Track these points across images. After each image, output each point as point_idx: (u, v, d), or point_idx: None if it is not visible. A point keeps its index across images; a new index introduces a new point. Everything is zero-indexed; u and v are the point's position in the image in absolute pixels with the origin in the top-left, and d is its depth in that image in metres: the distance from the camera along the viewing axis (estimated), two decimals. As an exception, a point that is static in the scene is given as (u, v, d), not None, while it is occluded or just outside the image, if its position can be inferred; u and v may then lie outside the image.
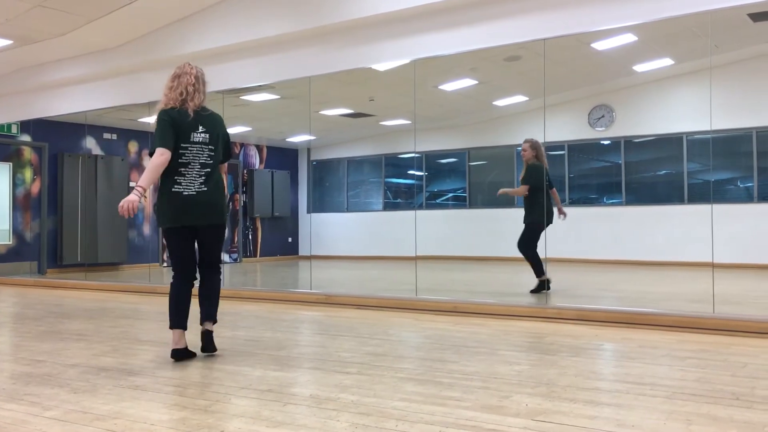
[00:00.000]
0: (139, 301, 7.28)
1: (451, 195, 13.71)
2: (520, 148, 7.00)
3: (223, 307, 4.61)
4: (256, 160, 14.34)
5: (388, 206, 14.25)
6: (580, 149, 11.86)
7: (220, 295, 4.20)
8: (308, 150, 15.28)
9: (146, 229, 12.41)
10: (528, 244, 6.69)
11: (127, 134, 12.20)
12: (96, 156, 11.65)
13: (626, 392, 3.05)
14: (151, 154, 3.89)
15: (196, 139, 3.92)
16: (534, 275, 6.70)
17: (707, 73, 8.38)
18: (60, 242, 11.16)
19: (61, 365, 3.81)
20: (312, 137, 14.42)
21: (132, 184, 12.12)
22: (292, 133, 14.11)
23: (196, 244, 4.09)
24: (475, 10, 6.09)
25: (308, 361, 3.89)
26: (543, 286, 6.64)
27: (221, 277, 4.25)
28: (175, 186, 3.87)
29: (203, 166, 3.94)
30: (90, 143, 11.66)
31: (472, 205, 12.83)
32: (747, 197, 10.48)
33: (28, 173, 11.02)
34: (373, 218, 14.24)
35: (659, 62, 9.64)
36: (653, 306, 5.83)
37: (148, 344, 4.52)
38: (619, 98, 11.28)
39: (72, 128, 11.12)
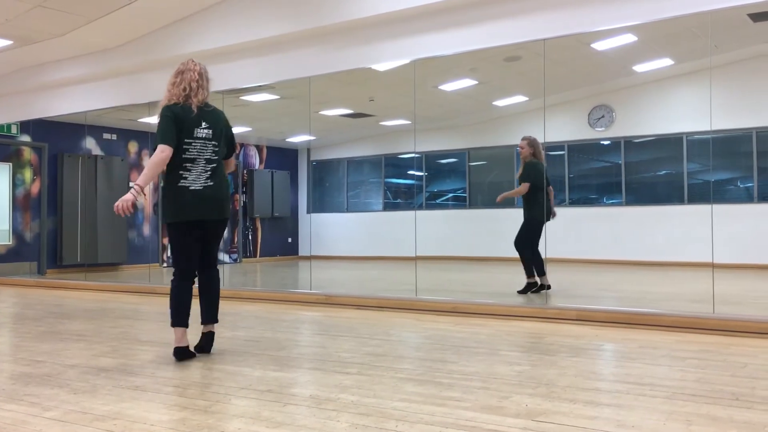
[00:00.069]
0: (139, 302, 7.28)
1: (451, 195, 13.71)
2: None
3: (223, 307, 4.61)
4: (256, 161, 14.34)
5: (388, 206, 14.25)
6: (580, 149, 11.86)
7: (219, 295, 4.20)
8: (308, 150, 15.28)
9: (146, 230, 12.41)
10: (525, 242, 6.68)
11: (126, 134, 12.20)
12: (96, 156, 11.65)
13: (626, 393, 3.05)
14: (162, 141, 3.84)
15: (200, 135, 3.93)
16: (526, 275, 6.69)
17: (707, 74, 8.39)
18: (60, 242, 11.16)
19: (60, 366, 3.80)
20: (312, 137, 14.42)
21: (132, 184, 12.10)
22: (292, 133, 14.11)
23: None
24: (475, 11, 6.09)
25: (308, 362, 3.88)
26: (530, 288, 6.63)
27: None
28: (182, 181, 3.88)
29: (208, 161, 3.96)
30: (90, 143, 11.66)
31: (472, 205, 12.83)
32: (747, 197, 10.48)
33: (27, 173, 11.02)
34: (373, 218, 14.24)
35: (659, 62, 9.65)
36: (653, 306, 5.83)
37: (147, 345, 4.51)
38: (619, 98, 11.28)
39: (72, 128, 11.12)
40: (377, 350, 4.17)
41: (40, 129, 10.87)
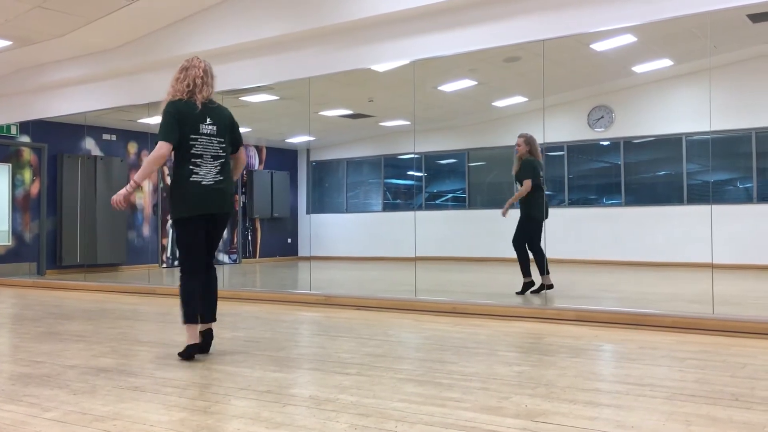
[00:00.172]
0: (139, 302, 7.27)
1: (450, 196, 13.71)
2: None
3: (223, 308, 4.61)
4: (255, 161, 14.34)
5: (388, 207, 14.25)
6: (579, 150, 11.86)
7: (217, 295, 4.21)
8: (308, 151, 15.28)
9: (146, 230, 12.40)
10: (522, 240, 6.67)
11: (126, 135, 12.19)
12: (95, 157, 11.65)
13: (626, 393, 3.05)
14: (163, 138, 3.87)
15: (205, 131, 3.95)
16: (523, 275, 6.68)
17: (706, 74, 8.39)
18: (59, 243, 11.15)
19: (60, 366, 3.80)
20: (311, 138, 14.42)
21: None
22: (292, 133, 14.11)
23: None
24: (474, 11, 6.09)
25: (308, 362, 3.88)
26: (528, 288, 6.63)
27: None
28: (194, 176, 3.89)
29: (215, 158, 3.98)
30: (89, 144, 11.66)
31: (472, 205, 12.83)
32: (746, 198, 10.48)
33: (27, 174, 11.02)
34: (373, 219, 14.24)
35: (658, 63, 9.65)
36: (653, 307, 5.83)
37: (147, 345, 4.51)
38: (619, 99, 11.28)
39: (71, 129, 11.12)
40: (377, 351, 4.17)
41: (40, 129, 10.87)
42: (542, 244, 6.60)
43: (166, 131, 3.87)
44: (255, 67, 7.55)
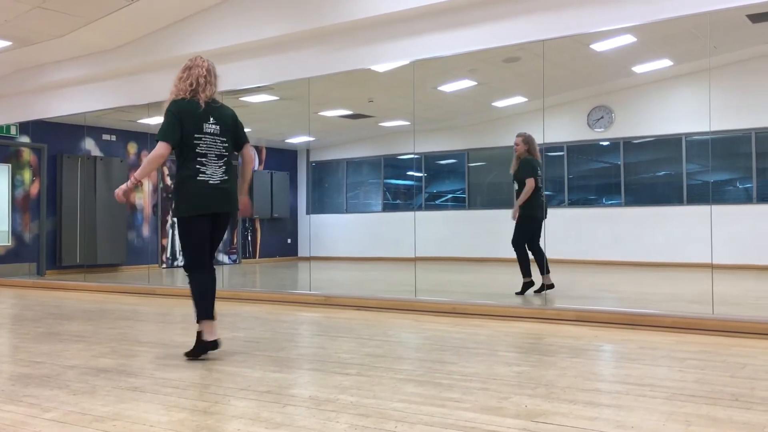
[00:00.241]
0: (139, 303, 7.27)
1: (450, 196, 13.71)
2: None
3: (223, 308, 4.60)
4: (255, 162, 14.35)
5: (388, 207, 14.25)
6: (579, 150, 11.86)
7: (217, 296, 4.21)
8: (307, 151, 15.28)
9: (145, 231, 12.40)
10: (522, 240, 6.66)
11: (126, 135, 12.19)
12: (95, 157, 11.64)
13: (626, 393, 3.05)
14: (161, 137, 3.89)
15: (208, 131, 3.97)
16: (523, 275, 6.68)
17: (706, 74, 8.39)
18: (59, 243, 11.15)
19: (60, 367, 3.80)
20: (311, 138, 14.42)
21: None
22: (292, 134, 14.11)
23: None
24: (474, 12, 6.09)
25: (307, 363, 3.88)
26: (527, 288, 6.63)
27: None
28: (201, 175, 3.91)
29: (219, 157, 4.00)
30: (89, 144, 11.66)
31: (472, 206, 12.84)
32: (746, 198, 10.49)
33: (27, 174, 11.02)
34: (373, 219, 14.24)
35: (658, 63, 9.65)
36: (653, 307, 5.83)
37: (147, 345, 4.51)
38: (619, 99, 11.28)
39: (71, 129, 11.12)
40: (376, 351, 4.17)
41: (40, 130, 10.87)
42: (542, 244, 6.59)
43: (166, 131, 3.89)
44: (255, 68, 7.55)
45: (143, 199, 12.43)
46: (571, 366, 3.67)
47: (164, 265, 12.40)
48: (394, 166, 14.36)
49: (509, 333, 4.89)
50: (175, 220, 4.04)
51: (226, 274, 11.02)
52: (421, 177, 13.84)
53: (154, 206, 12.49)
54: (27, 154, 11.05)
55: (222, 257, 13.27)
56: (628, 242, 10.76)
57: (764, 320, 4.68)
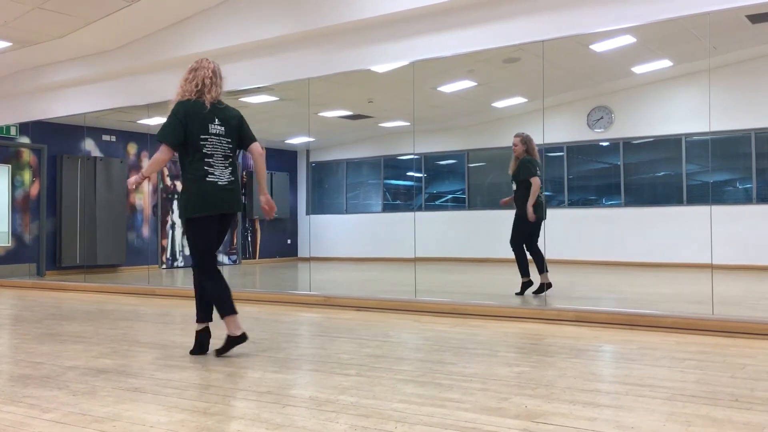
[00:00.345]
0: (138, 303, 7.27)
1: (450, 196, 13.71)
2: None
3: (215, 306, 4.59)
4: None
5: (387, 208, 14.25)
6: (578, 151, 11.86)
7: None
8: (307, 152, 15.28)
9: (145, 231, 12.40)
10: (520, 240, 6.65)
11: (126, 136, 12.19)
12: (95, 158, 11.64)
13: (626, 394, 3.05)
14: (161, 139, 3.94)
15: (214, 131, 4.00)
16: (521, 275, 6.68)
17: (706, 75, 8.40)
18: (59, 244, 11.15)
19: (59, 367, 3.80)
20: (311, 139, 14.42)
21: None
22: (291, 134, 14.11)
23: None
24: (473, 12, 6.10)
25: (307, 363, 3.88)
26: (527, 287, 6.63)
27: None
28: (209, 176, 3.95)
29: (226, 158, 4.04)
30: (89, 145, 11.66)
31: (471, 206, 12.84)
32: (746, 198, 10.49)
33: (27, 175, 11.02)
34: (373, 220, 14.24)
35: (658, 64, 9.65)
36: (653, 307, 5.83)
37: (147, 346, 4.51)
38: (618, 100, 11.29)
39: (71, 130, 11.12)
40: (376, 352, 4.17)
41: (40, 130, 10.87)
42: (542, 245, 6.59)
43: (166, 132, 3.92)
44: (254, 68, 7.55)
45: (143, 199, 12.43)
46: (571, 366, 3.67)
47: (164, 266, 12.40)
48: (393, 166, 14.36)
49: (509, 333, 4.89)
50: (182, 221, 4.07)
51: (226, 274, 10.97)
52: (421, 177, 13.84)
53: (154, 207, 12.49)
54: (27, 155, 11.05)
55: (222, 258, 13.27)
56: (627, 243, 10.76)
57: (764, 321, 4.68)
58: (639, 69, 10.00)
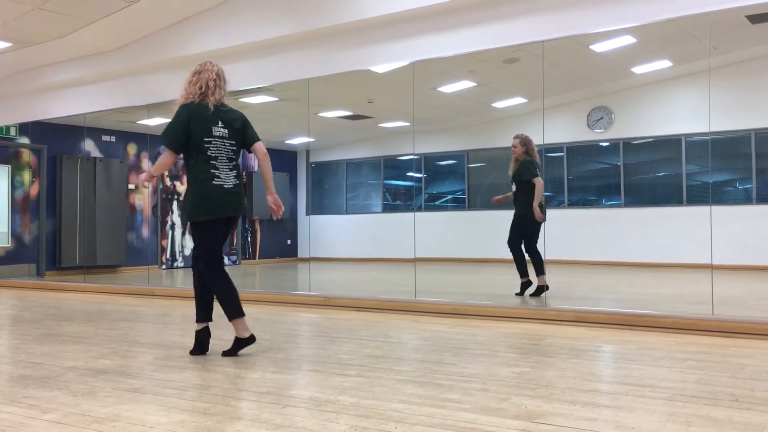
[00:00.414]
0: (138, 304, 7.27)
1: (450, 197, 13.71)
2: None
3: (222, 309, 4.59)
4: (254, 163, 14.34)
5: (387, 208, 14.25)
6: (578, 151, 11.86)
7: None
8: (307, 152, 15.28)
9: (145, 232, 12.40)
10: (518, 241, 6.65)
11: (125, 136, 12.19)
12: (95, 158, 11.64)
13: (626, 394, 3.05)
14: (164, 142, 4.00)
15: (217, 134, 4.03)
16: (520, 275, 6.68)
17: (706, 75, 8.40)
18: (59, 244, 11.15)
19: (59, 368, 3.80)
20: (311, 139, 14.43)
21: (131, 186, 12.12)
22: (291, 135, 14.11)
23: None
24: (473, 12, 6.10)
25: (307, 364, 3.88)
26: (526, 287, 6.63)
27: None
28: (215, 179, 3.98)
29: (230, 160, 4.08)
30: (89, 145, 11.66)
31: (471, 206, 12.84)
32: (746, 199, 10.49)
33: (26, 175, 11.01)
34: (372, 220, 14.24)
35: (658, 64, 9.66)
36: (652, 308, 5.83)
37: (146, 347, 4.51)
38: (618, 100, 11.29)
39: (71, 130, 11.12)
40: (376, 352, 4.17)
41: (39, 131, 10.87)
42: (541, 245, 6.59)
43: (168, 134, 3.97)
44: (254, 69, 7.55)
45: (143, 200, 12.43)
46: (570, 367, 3.67)
47: (164, 266, 12.40)
48: (393, 166, 14.36)
49: (509, 334, 4.89)
50: (186, 222, 4.10)
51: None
52: (421, 178, 13.84)
53: (154, 207, 12.49)
54: (27, 155, 11.05)
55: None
56: (627, 243, 10.76)
57: (764, 321, 4.68)
58: (639, 69, 10.00)
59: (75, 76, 8.99)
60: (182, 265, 12.64)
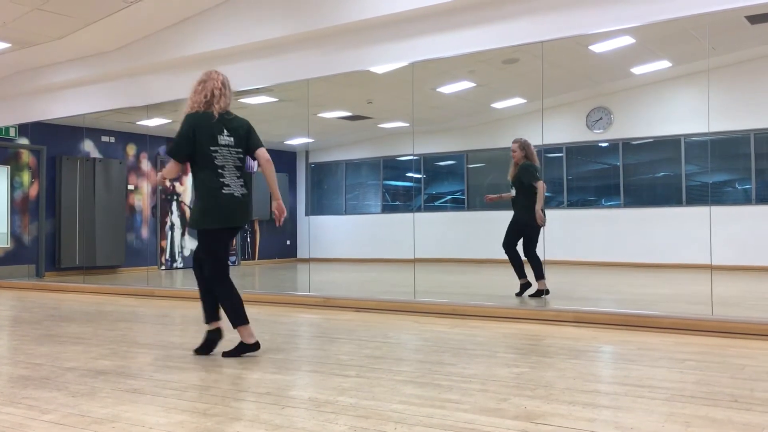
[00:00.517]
0: (137, 304, 7.27)
1: (449, 197, 13.71)
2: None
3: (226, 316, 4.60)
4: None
5: (387, 209, 14.25)
6: (578, 151, 11.87)
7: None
8: (306, 153, 15.28)
9: (144, 232, 12.40)
10: (513, 243, 6.65)
11: (125, 137, 12.19)
12: (94, 159, 11.64)
13: (625, 395, 3.05)
14: (169, 153, 4.07)
15: (223, 142, 4.06)
16: (518, 277, 6.69)
17: (705, 75, 8.40)
18: (58, 245, 11.14)
19: (59, 368, 3.80)
20: (310, 140, 14.42)
21: (130, 187, 12.11)
22: (291, 135, 14.11)
23: None
24: (472, 13, 6.10)
25: (307, 364, 3.88)
26: (525, 288, 6.64)
27: None
28: (225, 188, 4.03)
29: (237, 168, 4.11)
30: (88, 146, 11.66)
31: (471, 207, 12.84)
32: (745, 199, 10.49)
33: (26, 176, 11.01)
34: (372, 221, 14.24)
35: (657, 64, 9.66)
36: (652, 308, 5.83)
37: (146, 347, 4.51)
38: (617, 100, 11.29)
39: (70, 131, 11.12)
40: (376, 353, 4.17)
41: (39, 131, 10.87)
42: (540, 245, 6.59)
43: (175, 147, 4.03)
44: (254, 69, 7.55)
45: (142, 200, 12.43)
46: (570, 367, 3.67)
47: (163, 267, 12.40)
48: (393, 167, 14.36)
49: (508, 334, 4.89)
50: (196, 230, 4.13)
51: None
52: (420, 178, 13.84)
53: (153, 208, 12.49)
54: (26, 156, 11.04)
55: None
56: (627, 243, 10.76)
57: (763, 321, 4.68)
58: (638, 70, 10.01)
59: (74, 76, 8.98)
60: (182, 265, 12.64)
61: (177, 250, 12.70)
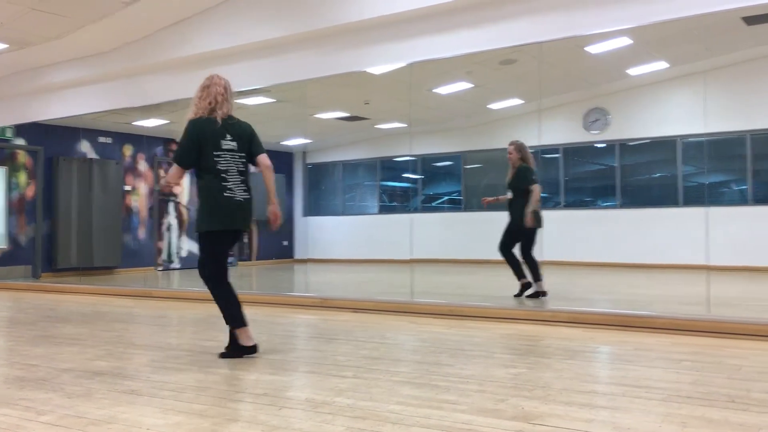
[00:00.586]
0: (134, 305, 7.26)
1: (446, 198, 13.72)
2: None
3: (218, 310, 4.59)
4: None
5: (384, 209, 14.26)
6: (575, 152, 11.89)
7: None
8: (304, 153, 15.27)
9: (141, 233, 12.38)
10: (509, 245, 6.66)
11: (122, 138, 12.17)
12: (91, 159, 11.62)
13: (622, 395, 3.05)
14: (175, 160, 4.10)
15: (226, 147, 4.08)
16: (518, 278, 6.69)
17: (701, 76, 8.43)
18: (55, 246, 11.12)
19: (55, 369, 3.79)
20: (307, 140, 14.43)
21: (127, 187, 12.09)
22: (288, 136, 14.11)
23: None
24: (470, 14, 6.10)
25: (304, 365, 3.88)
26: (526, 289, 6.64)
27: None
28: (227, 191, 4.04)
29: (240, 173, 4.12)
30: (85, 147, 11.64)
31: (468, 208, 12.85)
32: (741, 200, 10.52)
33: (23, 177, 10.99)
34: (369, 221, 14.25)
35: (654, 65, 9.68)
36: (648, 308, 5.84)
37: (142, 348, 4.50)
38: (614, 101, 11.31)
39: (67, 132, 11.10)
40: (373, 353, 4.17)
41: (36, 132, 10.85)
42: (537, 246, 6.59)
43: (180, 155, 4.05)
44: (251, 70, 7.55)
45: (139, 201, 12.41)
46: (567, 368, 3.67)
47: (160, 268, 12.38)
48: (390, 168, 14.37)
49: (505, 335, 4.90)
50: (196, 232, 4.15)
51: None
52: (418, 179, 13.85)
53: (150, 208, 12.47)
54: (23, 157, 11.02)
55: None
56: (623, 244, 10.78)
57: (760, 321, 4.69)
58: (635, 71, 10.03)
59: (71, 77, 8.97)
60: (179, 266, 12.62)
61: (174, 251, 12.68)
